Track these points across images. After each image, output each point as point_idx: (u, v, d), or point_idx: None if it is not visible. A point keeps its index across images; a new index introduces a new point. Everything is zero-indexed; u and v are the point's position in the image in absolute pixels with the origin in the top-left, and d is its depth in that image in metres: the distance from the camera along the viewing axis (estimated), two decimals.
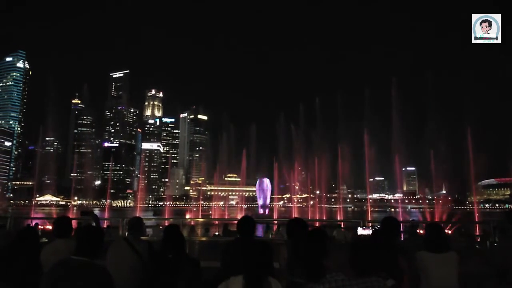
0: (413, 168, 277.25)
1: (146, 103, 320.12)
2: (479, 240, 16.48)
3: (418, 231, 16.53)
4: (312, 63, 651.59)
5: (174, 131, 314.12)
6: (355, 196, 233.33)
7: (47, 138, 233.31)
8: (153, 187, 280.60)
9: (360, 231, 14.49)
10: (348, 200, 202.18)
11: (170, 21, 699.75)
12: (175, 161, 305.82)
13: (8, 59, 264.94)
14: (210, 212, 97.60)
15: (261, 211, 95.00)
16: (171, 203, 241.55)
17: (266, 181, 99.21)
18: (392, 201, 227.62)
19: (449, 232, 20.48)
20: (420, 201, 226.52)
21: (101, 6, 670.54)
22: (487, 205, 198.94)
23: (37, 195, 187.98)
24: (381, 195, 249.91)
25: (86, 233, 3.85)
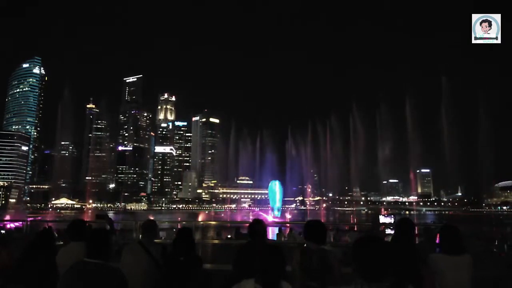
0: (428, 170, 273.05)
1: (159, 107, 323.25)
2: (496, 243, 16.14)
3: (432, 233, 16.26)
4: (326, 73, 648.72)
5: (187, 134, 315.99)
6: (368, 198, 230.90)
7: (63, 142, 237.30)
8: (166, 190, 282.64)
9: (382, 219, 14.16)
10: (361, 202, 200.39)
11: (182, 28, 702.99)
12: (187, 164, 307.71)
13: (24, 65, 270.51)
14: (222, 214, 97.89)
15: (273, 213, 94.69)
16: (184, 205, 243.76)
17: (278, 184, 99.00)
18: (407, 203, 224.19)
19: None
20: (435, 204, 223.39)
21: (115, 13, 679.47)
22: (504, 208, 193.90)
23: (53, 199, 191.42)
24: (395, 197, 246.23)
25: (93, 236, 3.92)
